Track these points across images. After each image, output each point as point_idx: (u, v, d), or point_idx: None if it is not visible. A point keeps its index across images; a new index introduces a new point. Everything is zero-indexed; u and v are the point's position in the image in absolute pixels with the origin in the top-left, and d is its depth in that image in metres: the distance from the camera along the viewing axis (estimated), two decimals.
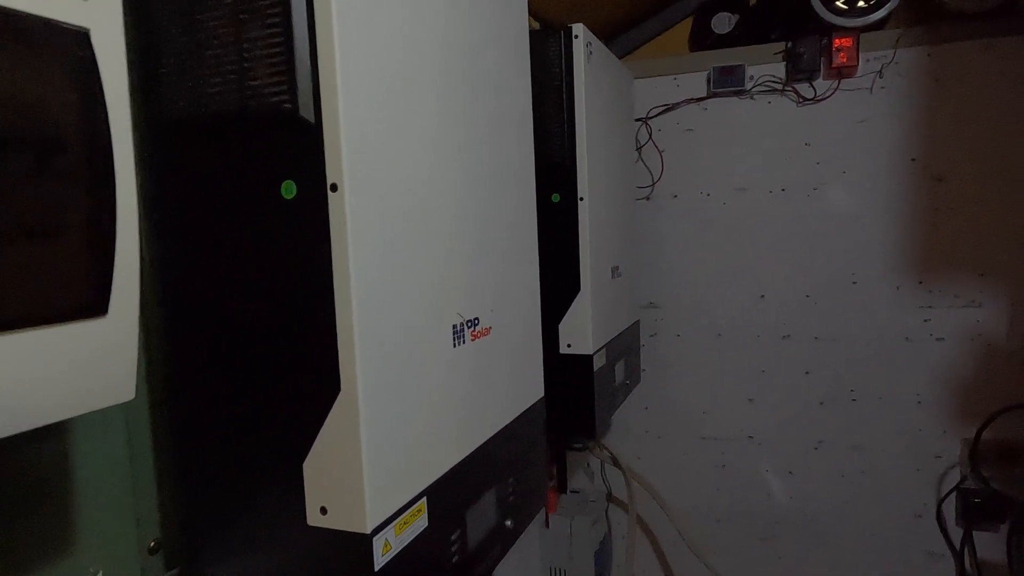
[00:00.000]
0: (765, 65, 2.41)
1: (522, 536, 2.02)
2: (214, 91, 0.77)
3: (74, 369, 0.57)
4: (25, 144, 0.52)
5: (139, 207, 0.85)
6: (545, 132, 1.65)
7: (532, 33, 1.67)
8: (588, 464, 2.66)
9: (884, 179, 2.33)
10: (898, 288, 2.35)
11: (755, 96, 2.45)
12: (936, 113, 2.26)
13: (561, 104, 1.65)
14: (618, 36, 2.71)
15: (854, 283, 2.39)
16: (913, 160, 2.29)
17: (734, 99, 2.47)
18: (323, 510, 0.79)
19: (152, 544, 0.93)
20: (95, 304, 0.57)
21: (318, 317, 0.76)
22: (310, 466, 0.79)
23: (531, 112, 1.31)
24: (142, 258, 0.86)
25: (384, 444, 0.80)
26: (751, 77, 2.43)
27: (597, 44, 1.75)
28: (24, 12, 0.52)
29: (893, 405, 2.39)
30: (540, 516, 2.16)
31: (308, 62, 0.73)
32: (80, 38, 0.56)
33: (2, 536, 0.74)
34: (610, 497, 2.69)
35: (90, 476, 0.84)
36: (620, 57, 2.68)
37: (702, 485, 2.64)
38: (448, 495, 0.95)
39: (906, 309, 2.34)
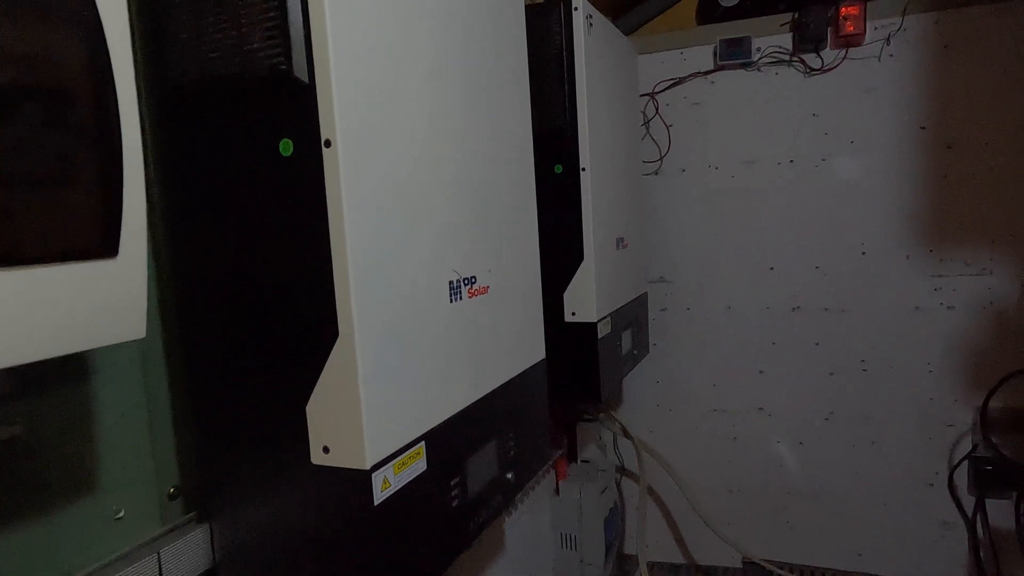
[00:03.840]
0: (772, 36, 2.41)
1: (533, 503, 2.08)
2: (215, 56, 0.82)
3: (88, 305, 0.62)
4: (37, 97, 0.57)
5: (152, 165, 0.91)
6: (547, 104, 1.68)
7: (534, 5, 1.70)
8: (600, 437, 2.70)
9: (893, 148, 2.32)
10: (908, 257, 2.34)
11: (762, 68, 2.44)
12: (945, 80, 2.24)
13: (562, 75, 1.68)
14: (625, 12, 2.72)
15: (863, 253, 2.39)
16: (922, 128, 2.28)
17: (741, 72, 2.47)
18: (325, 449, 0.84)
19: (171, 491, 1.00)
20: (105, 246, 0.62)
21: (317, 267, 0.81)
22: (313, 408, 0.84)
23: (527, 79, 1.35)
24: (155, 211, 0.92)
25: (382, 388, 0.85)
26: (758, 49, 2.43)
27: (598, 16, 1.77)
28: None
29: (904, 375, 2.39)
30: (551, 484, 2.21)
31: (301, 25, 0.77)
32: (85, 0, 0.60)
33: (34, 475, 0.81)
34: (622, 469, 2.73)
35: (111, 422, 0.90)
36: (628, 33, 2.69)
37: (714, 457, 2.67)
38: (448, 442, 1.00)
39: (916, 278, 2.34)
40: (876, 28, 2.27)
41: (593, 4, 1.74)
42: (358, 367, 0.81)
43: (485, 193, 1.14)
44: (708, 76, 2.52)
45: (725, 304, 2.60)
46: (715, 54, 2.47)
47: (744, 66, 2.46)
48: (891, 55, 2.28)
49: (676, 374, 2.69)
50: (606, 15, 2.54)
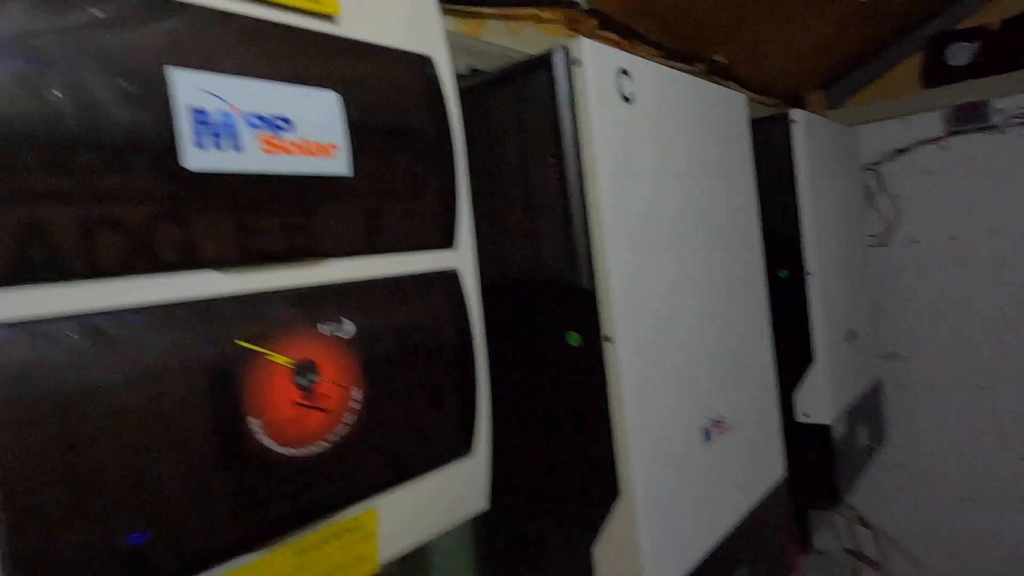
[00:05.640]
0: (1016, 97, 2.23)
1: None
2: (513, 264, 1.05)
3: (452, 495, 0.84)
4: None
5: None
6: (770, 211, 1.75)
7: (755, 121, 1.78)
8: (835, 525, 2.59)
9: None
10: None
11: (1006, 131, 2.26)
12: None
13: (784, 185, 1.73)
14: (838, 81, 2.67)
15: None
16: None
17: (979, 135, 2.31)
18: None
19: None
20: (466, 449, 0.85)
21: (600, 440, 0.98)
22: (598, 550, 1.01)
23: (758, 221, 1.44)
24: None
25: (653, 533, 1.00)
26: (999, 110, 2.25)
27: (817, 121, 1.81)
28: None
29: None
30: None
31: (586, 248, 0.97)
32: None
33: None
34: (860, 556, 2.58)
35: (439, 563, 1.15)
36: (842, 101, 2.64)
37: (965, 551, 2.43)
38: None
39: None
40: None
41: (804, 85, 1.76)
42: (636, 519, 0.97)
43: (728, 339, 1.26)
44: (939, 142, 2.38)
45: (976, 383, 2.39)
46: (946, 119, 2.34)
47: (983, 130, 2.29)
48: None
49: (919, 459, 2.50)
50: (818, 87, 2.53)
